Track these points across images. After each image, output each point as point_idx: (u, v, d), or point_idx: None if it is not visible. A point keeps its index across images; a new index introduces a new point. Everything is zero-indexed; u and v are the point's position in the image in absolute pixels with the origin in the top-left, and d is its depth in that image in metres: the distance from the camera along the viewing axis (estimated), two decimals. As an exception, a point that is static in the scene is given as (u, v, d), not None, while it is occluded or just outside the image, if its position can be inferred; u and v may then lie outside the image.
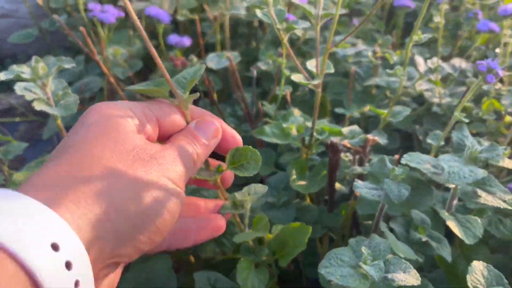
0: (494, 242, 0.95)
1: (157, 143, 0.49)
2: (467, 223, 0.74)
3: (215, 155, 0.63)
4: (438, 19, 0.96)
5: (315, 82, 0.80)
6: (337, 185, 1.00)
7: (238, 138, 0.61)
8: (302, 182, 0.90)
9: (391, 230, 0.80)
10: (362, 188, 0.74)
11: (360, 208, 0.88)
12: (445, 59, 1.32)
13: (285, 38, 0.70)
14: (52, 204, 0.36)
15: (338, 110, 1.08)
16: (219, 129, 0.57)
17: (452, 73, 1.12)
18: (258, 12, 0.68)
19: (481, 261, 0.68)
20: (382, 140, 0.91)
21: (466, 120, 0.70)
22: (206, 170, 0.61)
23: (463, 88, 1.13)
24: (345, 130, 0.92)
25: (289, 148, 1.10)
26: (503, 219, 0.84)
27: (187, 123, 0.54)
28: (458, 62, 1.17)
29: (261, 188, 0.68)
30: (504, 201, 0.66)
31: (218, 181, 0.63)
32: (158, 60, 0.49)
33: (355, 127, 0.92)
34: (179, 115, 0.53)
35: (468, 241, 0.71)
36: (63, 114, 0.75)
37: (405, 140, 1.26)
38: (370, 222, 0.95)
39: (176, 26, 1.52)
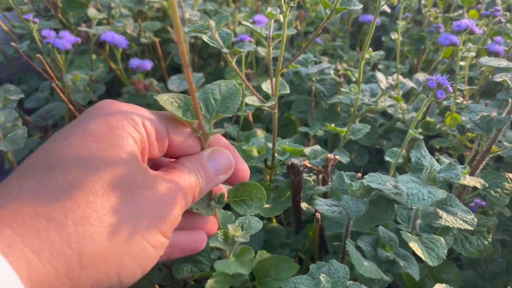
0: (464, 258, 0.94)
1: (157, 174, 0.44)
2: (430, 243, 0.72)
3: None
4: (395, 36, 0.95)
5: (269, 103, 0.78)
6: (304, 205, 0.98)
7: (247, 173, 0.57)
8: (265, 206, 0.87)
9: (359, 248, 0.79)
10: (323, 205, 0.72)
11: (327, 228, 0.86)
12: (412, 73, 1.32)
13: (233, 61, 0.68)
14: (12, 252, 0.33)
15: (302, 129, 1.07)
16: (232, 165, 0.52)
17: (415, 88, 1.12)
18: (204, 37, 0.66)
19: (443, 284, 0.66)
20: (344, 158, 0.89)
21: (421, 137, 0.69)
22: (203, 203, 0.56)
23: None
24: (307, 150, 0.90)
25: (256, 170, 1.08)
26: (469, 237, 0.83)
27: (202, 148, 0.51)
28: (421, 76, 1.17)
29: (256, 224, 0.65)
30: (465, 222, 0.65)
31: (217, 215, 0.60)
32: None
33: (317, 147, 0.91)
34: (194, 139, 0.49)
35: (432, 262, 0.69)
36: (10, 149, 0.72)
37: (374, 156, 1.25)
38: (338, 243, 0.93)
39: (147, 48, 1.50)
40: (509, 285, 0.90)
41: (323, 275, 0.64)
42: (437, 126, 0.98)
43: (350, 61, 1.31)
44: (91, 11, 1.18)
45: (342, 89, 0.76)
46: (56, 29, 1.35)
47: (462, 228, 0.64)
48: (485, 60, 0.80)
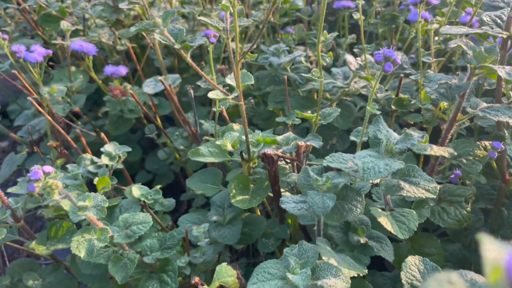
0: (450, 232, 0.93)
1: None
2: (401, 217, 0.72)
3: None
4: (357, 15, 0.95)
5: (233, 95, 0.78)
6: (287, 194, 0.98)
7: None
8: (242, 197, 0.88)
9: (331, 237, 0.78)
10: (290, 203, 0.71)
11: (300, 219, 0.86)
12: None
13: (187, 56, 0.69)
14: None
15: (279, 119, 1.07)
16: None
17: (389, 67, 1.11)
18: (156, 35, 0.67)
19: (416, 256, 0.66)
20: (316, 143, 0.89)
21: (378, 112, 0.69)
22: None
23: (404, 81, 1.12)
24: (279, 138, 0.90)
25: (238, 165, 1.08)
26: (446, 208, 0.82)
27: None
28: (397, 55, 1.17)
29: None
30: (428, 190, 0.65)
31: None
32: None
33: (289, 134, 0.91)
34: None
35: (402, 235, 0.68)
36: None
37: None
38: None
39: (127, 54, 1.51)
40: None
41: (291, 256, 0.64)
42: (412, 102, 0.98)
43: (325, 48, 1.31)
44: (64, 24, 1.19)
45: (304, 75, 0.76)
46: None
47: (424, 197, 0.64)
48: (445, 29, 0.80)
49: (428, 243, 0.85)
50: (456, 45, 0.69)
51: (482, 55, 0.67)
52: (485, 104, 0.76)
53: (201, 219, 0.97)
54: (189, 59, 0.71)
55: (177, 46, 0.67)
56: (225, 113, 1.03)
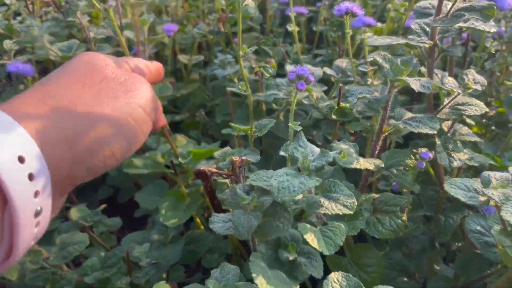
0: (390, 240, 0.93)
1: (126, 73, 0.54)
2: (329, 232, 0.71)
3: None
4: (292, 27, 0.95)
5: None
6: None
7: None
8: (173, 213, 0.86)
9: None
10: (218, 222, 0.70)
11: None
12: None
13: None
14: (22, 121, 0.41)
15: (225, 131, 1.06)
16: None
17: (334, 75, 1.11)
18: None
19: (339, 272, 0.66)
20: (253, 158, 0.88)
21: (299, 128, 0.69)
22: None
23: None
24: (217, 153, 0.89)
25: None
26: (381, 218, 0.82)
27: None
28: (343, 62, 1.17)
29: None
30: (345, 206, 0.64)
31: None
32: None
33: (227, 148, 0.90)
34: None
35: (328, 251, 0.68)
36: None
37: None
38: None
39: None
40: (434, 261, 0.89)
41: (210, 280, 0.64)
42: (354, 111, 0.97)
43: (276, 57, 1.31)
44: (6, 43, 1.17)
45: (229, 88, 0.75)
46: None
47: (341, 213, 0.63)
48: (370, 40, 0.79)
49: (367, 254, 0.84)
50: (372, 59, 0.69)
51: (399, 68, 0.67)
52: (409, 115, 0.76)
53: (145, 237, 0.96)
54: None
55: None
56: (166, 126, 1.02)
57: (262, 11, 1.46)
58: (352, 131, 0.97)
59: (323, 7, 1.25)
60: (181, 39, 1.31)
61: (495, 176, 0.62)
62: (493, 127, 1.04)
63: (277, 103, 1.12)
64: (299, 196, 0.68)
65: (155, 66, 0.64)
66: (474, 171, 1.00)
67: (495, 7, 0.75)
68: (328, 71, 1.13)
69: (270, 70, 1.09)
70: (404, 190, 0.85)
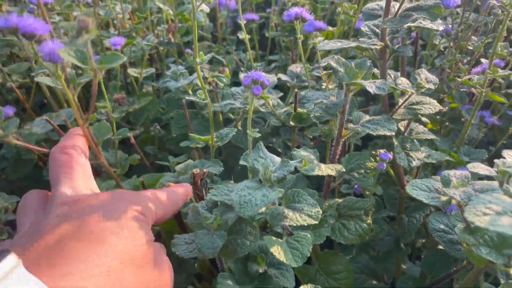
0: (356, 245, 0.93)
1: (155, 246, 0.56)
2: (295, 243, 0.69)
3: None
4: (243, 35, 0.93)
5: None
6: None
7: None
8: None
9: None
10: (181, 245, 0.67)
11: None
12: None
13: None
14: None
15: (183, 144, 1.02)
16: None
17: (289, 81, 1.10)
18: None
19: (309, 284, 0.64)
20: (216, 169, 0.85)
21: (258, 135, 0.67)
22: None
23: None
24: (179, 166, 0.86)
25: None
26: (346, 223, 0.81)
27: None
28: (294, 67, 1.16)
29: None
30: (310, 216, 0.62)
31: None
32: None
33: (189, 161, 0.87)
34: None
35: (295, 263, 0.65)
36: None
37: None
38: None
39: (27, 91, 1.41)
40: (400, 261, 0.90)
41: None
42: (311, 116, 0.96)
43: (230, 65, 1.29)
44: None
45: (187, 97, 0.72)
46: None
47: (306, 224, 0.62)
48: (321, 45, 0.79)
49: (334, 261, 0.83)
50: (326, 63, 0.67)
51: (353, 71, 0.66)
52: (367, 118, 0.75)
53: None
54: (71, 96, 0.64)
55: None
56: (132, 141, 0.98)
57: (213, 20, 1.44)
58: (311, 137, 0.96)
59: (273, 13, 1.24)
60: (131, 52, 1.26)
61: (455, 174, 0.62)
62: (447, 123, 1.06)
63: (234, 112, 1.10)
64: (263, 209, 0.65)
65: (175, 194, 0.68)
66: (432, 168, 1.01)
67: (442, 6, 0.76)
68: (283, 77, 1.12)
69: (224, 80, 1.06)
70: (367, 193, 0.85)
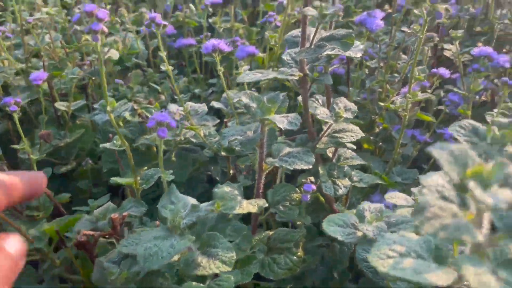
0: (289, 277, 0.90)
1: None
2: (217, 287, 0.66)
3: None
4: (166, 67, 0.90)
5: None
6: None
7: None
8: None
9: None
10: None
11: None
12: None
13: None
14: None
15: (112, 180, 0.98)
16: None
17: (223, 108, 1.08)
18: None
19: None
20: (138, 211, 0.82)
21: (170, 178, 0.64)
22: None
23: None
24: (97, 210, 0.81)
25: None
26: (276, 257, 0.79)
27: None
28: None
29: None
30: (224, 262, 0.60)
31: None
32: None
33: (108, 205, 0.83)
34: None
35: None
36: None
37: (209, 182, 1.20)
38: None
39: None
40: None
41: None
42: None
43: (165, 92, 1.26)
44: None
45: (101, 145, 0.68)
46: None
47: (219, 272, 0.59)
48: (241, 76, 0.77)
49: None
50: (238, 98, 0.66)
51: (266, 106, 0.65)
52: (287, 150, 0.74)
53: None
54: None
55: None
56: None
57: (148, 46, 1.41)
58: (243, 166, 0.94)
59: (205, 38, 1.23)
60: (60, 84, 1.21)
61: (369, 208, 0.61)
62: (381, 143, 1.07)
63: (166, 144, 1.07)
64: (175, 257, 0.62)
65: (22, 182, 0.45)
66: (368, 190, 1.01)
67: (357, 34, 0.76)
68: (216, 104, 1.09)
69: (153, 111, 1.03)
70: (298, 223, 0.83)
